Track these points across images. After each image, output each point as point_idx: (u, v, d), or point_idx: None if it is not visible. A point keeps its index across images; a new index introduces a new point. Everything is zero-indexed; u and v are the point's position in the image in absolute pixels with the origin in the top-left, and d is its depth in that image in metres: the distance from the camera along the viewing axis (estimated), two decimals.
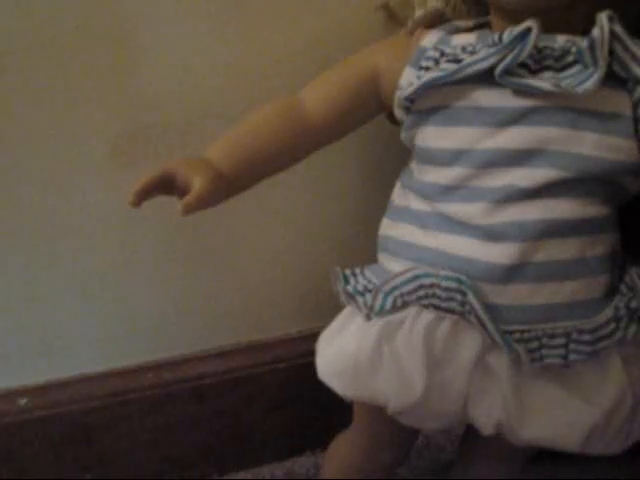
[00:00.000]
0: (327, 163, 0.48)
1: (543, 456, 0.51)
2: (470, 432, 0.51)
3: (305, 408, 0.67)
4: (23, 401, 0.56)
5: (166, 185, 0.40)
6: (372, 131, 0.49)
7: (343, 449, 0.57)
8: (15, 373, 0.57)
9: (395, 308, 0.43)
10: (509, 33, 0.38)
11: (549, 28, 0.38)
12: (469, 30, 0.43)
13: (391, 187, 0.48)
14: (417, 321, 0.42)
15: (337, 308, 0.49)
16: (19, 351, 0.56)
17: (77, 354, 0.55)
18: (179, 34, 0.48)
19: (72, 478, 0.62)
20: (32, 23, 0.44)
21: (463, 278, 0.40)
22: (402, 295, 0.42)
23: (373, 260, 0.48)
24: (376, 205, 0.49)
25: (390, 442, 0.54)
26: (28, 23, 0.44)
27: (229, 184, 0.42)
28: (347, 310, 0.47)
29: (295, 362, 0.63)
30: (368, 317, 0.44)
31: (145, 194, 0.39)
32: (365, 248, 0.50)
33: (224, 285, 0.61)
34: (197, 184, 0.38)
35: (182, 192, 0.40)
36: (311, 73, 0.47)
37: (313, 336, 0.49)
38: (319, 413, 0.66)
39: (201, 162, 0.41)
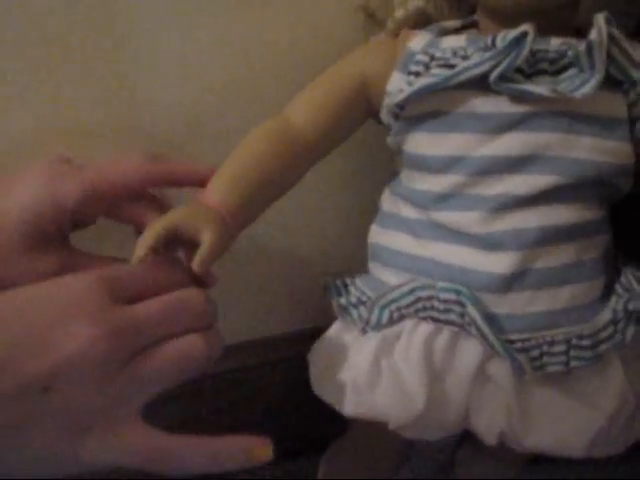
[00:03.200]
0: (319, 163, 0.48)
1: (542, 456, 0.52)
2: (470, 433, 0.51)
3: (305, 408, 0.67)
4: None
5: (171, 239, 0.37)
6: (364, 133, 0.49)
7: (341, 453, 0.58)
8: None
9: (392, 321, 0.42)
10: (503, 37, 0.37)
11: (543, 30, 0.38)
12: (457, 31, 0.42)
13: (380, 192, 0.48)
14: (415, 333, 0.41)
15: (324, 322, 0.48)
16: None
17: None
18: (173, 34, 0.47)
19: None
20: (26, 21, 0.44)
21: (462, 289, 0.39)
22: (399, 309, 0.42)
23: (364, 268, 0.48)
24: (373, 205, 0.49)
25: (388, 444, 0.54)
26: (21, 21, 0.44)
27: (235, 225, 0.39)
28: (339, 322, 0.46)
29: (295, 362, 0.63)
30: (364, 331, 0.43)
31: (152, 253, 0.36)
32: (363, 248, 0.50)
33: (223, 285, 0.61)
34: (206, 238, 0.35)
35: (188, 242, 0.37)
36: (298, 76, 0.46)
37: (313, 336, 0.49)
38: (319, 414, 0.66)
39: (202, 211, 0.37)
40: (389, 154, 0.48)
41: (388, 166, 0.48)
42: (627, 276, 0.42)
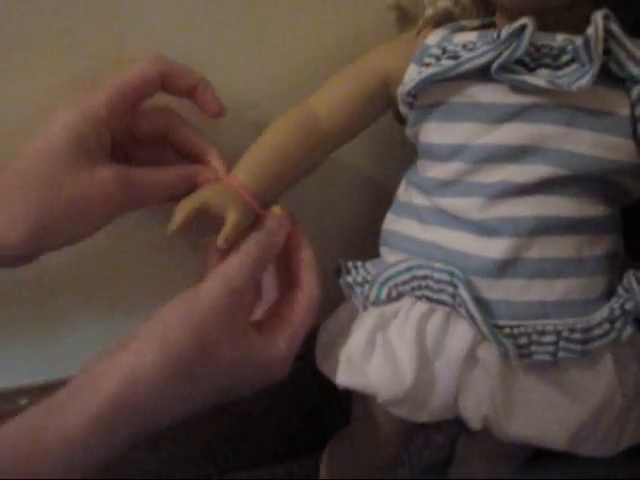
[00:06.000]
0: (333, 159, 0.48)
1: (541, 456, 0.51)
2: (467, 432, 0.51)
3: (305, 408, 0.67)
4: (23, 401, 0.56)
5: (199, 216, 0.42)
6: (379, 129, 0.49)
7: (341, 448, 0.58)
8: (15, 373, 0.57)
9: (390, 299, 0.44)
10: (506, 30, 0.39)
11: (550, 27, 0.40)
12: (474, 29, 0.44)
13: (398, 184, 0.49)
14: (410, 312, 0.43)
15: (337, 305, 0.49)
16: (19, 351, 0.56)
17: (77, 354, 0.55)
18: (178, 27, 0.48)
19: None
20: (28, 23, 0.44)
21: (455, 271, 0.41)
22: (397, 286, 0.43)
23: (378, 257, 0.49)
24: (382, 202, 0.50)
25: (387, 439, 0.54)
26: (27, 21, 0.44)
27: (256, 205, 0.43)
28: (347, 301, 0.48)
29: (296, 362, 0.63)
30: (364, 307, 0.45)
31: (184, 230, 0.42)
32: (371, 246, 0.50)
33: None
34: (231, 217, 0.41)
35: (215, 220, 0.42)
36: (321, 74, 0.47)
37: (313, 336, 0.49)
38: (319, 413, 0.66)
39: (229, 192, 0.42)
40: (404, 154, 0.49)
41: (402, 165, 0.50)
42: (629, 277, 0.43)
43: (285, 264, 0.46)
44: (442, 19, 0.45)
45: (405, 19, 0.49)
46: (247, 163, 0.44)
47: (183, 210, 0.41)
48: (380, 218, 0.50)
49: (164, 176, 0.45)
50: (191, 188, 0.44)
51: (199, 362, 0.37)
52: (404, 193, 0.48)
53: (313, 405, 0.66)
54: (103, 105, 0.42)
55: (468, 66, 0.40)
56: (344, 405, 0.55)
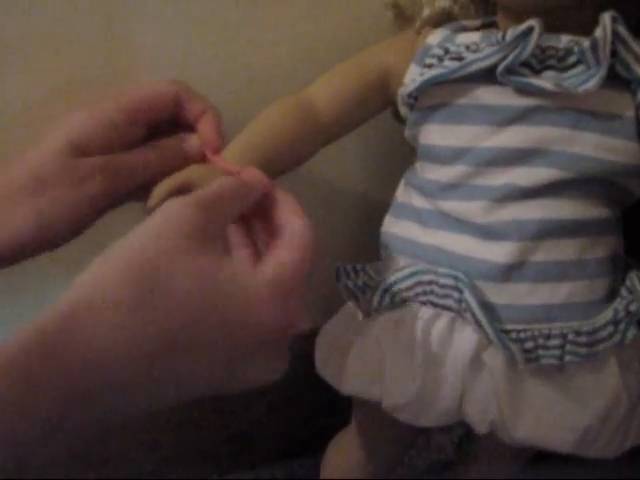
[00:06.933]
0: (331, 161, 0.48)
1: (543, 457, 0.51)
2: (470, 433, 0.51)
3: (305, 408, 0.67)
4: None
5: (183, 193, 0.40)
6: (377, 129, 0.49)
7: (342, 448, 0.59)
8: None
9: (394, 304, 0.44)
10: (512, 32, 0.39)
11: (555, 28, 0.39)
12: (476, 29, 0.44)
13: (396, 186, 0.49)
14: (415, 317, 0.43)
15: (337, 308, 0.49)
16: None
17: None
18: (177, 25, 0.47)
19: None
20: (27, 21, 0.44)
21: (460, 275, 0.41)
22: (400, 291, 0.43)
23: (377, 260, 0.49)
24: (381, 204, 0.50)
25: (388, 440, 0.55)
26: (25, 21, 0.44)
27: None
28: (348, 305, 0.48)
29: (295, 362, 0.63)
30: (367, 313, 0.45)
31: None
32: (369, 248, 0.50)
33: None
34: None
35: None
36: (318, 70, 0.47)
37: (313, 336, 0.49)
38: (319, 413, 0.66)
39: (216, 172, 0.41)
40: (402, 156, 0.49)
41: (400, 167, 0.49)
42: (632, 279, 0.43)
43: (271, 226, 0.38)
44: (441, 19, 0.45)
45: (402, 17, 0.48)
46: (238, 147, 0.43)
47: (164, 186, 0.39)
48: (379, 220, 0.49)
49: (148, 149, 0.43)
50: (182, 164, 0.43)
51: (157, 277, 0.30)
52: (403, 195, 0.48)
53: (314, 405, 0.66)
54: (114, 113, 0.42)
55: (473, 68, 0.39)
56: (345, 405, 0.55)
